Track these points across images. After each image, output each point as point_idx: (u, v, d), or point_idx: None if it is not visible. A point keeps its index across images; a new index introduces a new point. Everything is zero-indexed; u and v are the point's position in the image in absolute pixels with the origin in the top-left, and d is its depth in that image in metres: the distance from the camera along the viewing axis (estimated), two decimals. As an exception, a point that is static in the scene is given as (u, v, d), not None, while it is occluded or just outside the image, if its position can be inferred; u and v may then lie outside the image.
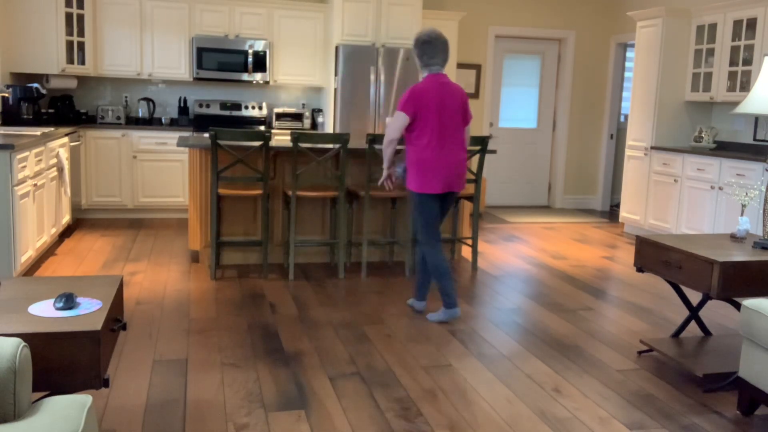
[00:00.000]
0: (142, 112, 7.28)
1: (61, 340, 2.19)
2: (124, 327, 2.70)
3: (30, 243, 4.69)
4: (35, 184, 4.81)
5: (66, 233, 6.18)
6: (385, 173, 4.32)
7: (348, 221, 5.52)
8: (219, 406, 2.95)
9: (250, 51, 7.26)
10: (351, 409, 2.97)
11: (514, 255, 6.10)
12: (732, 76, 6.37)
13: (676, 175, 6.63)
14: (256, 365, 3.41)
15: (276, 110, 7.51)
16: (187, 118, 7.39)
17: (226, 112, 7.53)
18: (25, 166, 4.55)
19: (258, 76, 7.32)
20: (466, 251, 6.10)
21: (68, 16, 6.54)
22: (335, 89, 7.05)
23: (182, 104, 7.42)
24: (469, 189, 5.59)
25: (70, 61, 6.63)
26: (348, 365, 3.45)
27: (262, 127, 7.50)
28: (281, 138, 6.89)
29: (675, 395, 3.24)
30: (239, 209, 5.37)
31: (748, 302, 2.93)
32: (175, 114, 7.55)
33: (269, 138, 4.83)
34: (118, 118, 7.08)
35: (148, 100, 7.30)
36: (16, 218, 4.35)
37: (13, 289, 2.65)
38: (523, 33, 8.53)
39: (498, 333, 4.03)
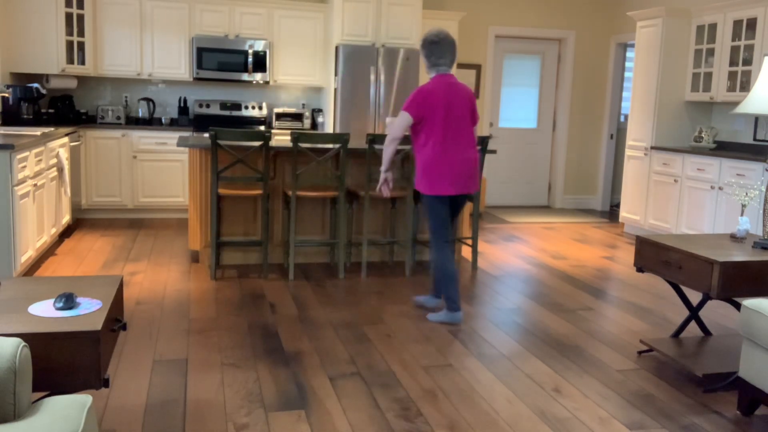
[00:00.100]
0: (142, 112, 7.28)
1: (61, 340, 2.19)
2: (124, 327, 2.70)
3: (30, 243, 4.69)
4: (35, 184, 4.81)
5: (66, 233, 6.18)
6: (382, 177, 4.28)
7: (348, 221, 5.52)
8: (219, 406, 2.95)
9: (250, 51, 7.26)
10: (351, 409, 2.97)
11: (514, 255, 6.10)
12: (732, 76, 6.37)
13: (676, 175, 6.63)
14: (256, 365, 3.41)
15: (276, 110, 7.51)
16: (187, 118, 7.39)
17: (226, 112, 7.53)
18: (25, 166, 4.55)
19: (258, 76, 7.32)
20: (466, 251, 6.10)
21: (68, 16, 6.54)
22: (335, 89, 7.05)
23: (182, 104, 7.42)
24: (469, 189, 5.59)
25: (70, 61, 6.63)
26: (348, 365, 3.45)
27: (262, 127, 7.50)
28: (281, 138, 6.89)
29: (675, 395, 3.24)
30: (239, 209, 5.37)
31: (748, 302, 2.93)
32: (175, 114, 7.55)
33: (269, 138, 4.83)
34: (118, 118, 7.08)
35: (148, 100, 7.30)
36: (16, 218, 4.35)
37: (13, 289, 2.65)
38: (523, 33, 8.53)
39: (498, 333, 4.03)
